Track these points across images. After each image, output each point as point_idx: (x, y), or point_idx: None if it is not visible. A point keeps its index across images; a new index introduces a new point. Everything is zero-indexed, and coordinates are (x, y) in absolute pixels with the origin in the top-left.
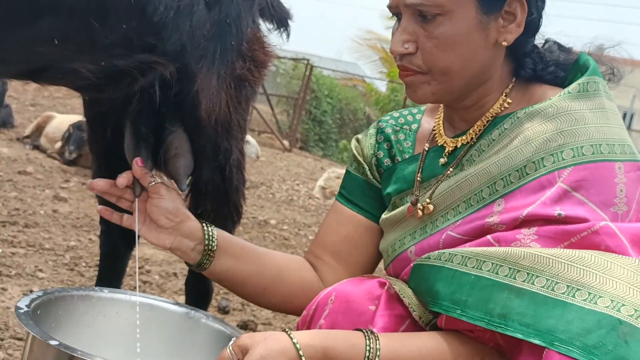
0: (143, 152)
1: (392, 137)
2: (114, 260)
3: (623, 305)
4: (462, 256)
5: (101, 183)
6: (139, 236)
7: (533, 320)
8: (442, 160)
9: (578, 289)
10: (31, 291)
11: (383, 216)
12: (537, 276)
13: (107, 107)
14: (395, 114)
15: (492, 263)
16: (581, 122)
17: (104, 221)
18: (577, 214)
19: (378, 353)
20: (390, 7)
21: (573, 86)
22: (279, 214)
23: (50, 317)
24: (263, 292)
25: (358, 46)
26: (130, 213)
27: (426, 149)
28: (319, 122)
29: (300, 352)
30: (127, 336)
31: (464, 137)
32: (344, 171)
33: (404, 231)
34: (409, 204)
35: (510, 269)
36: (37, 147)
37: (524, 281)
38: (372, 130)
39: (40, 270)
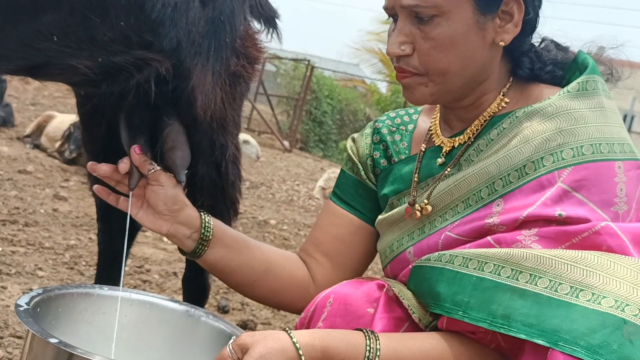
0: (141, 142)
1: (388, 137)
2: (112, 259)
3: (627, 305)
4: (464, 257)
5: (104, 167)
6: (135, 230)
7: (537, 320)
8: (439, 161)
9: (582, 290)
10: (31, 290)
11: (380, 217)
12: (540, 277)
13: (100, 104)
14: (392, 114)
15: (494, 264)
16: (581, 122)
17: (102, 219)
18: (578, 214)
19: (378, 353)
20: (386, 8)
21: (572, 85)
22: (279, 214)
23: (50, 314)
24: (253, 283)
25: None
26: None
27: (423, 149)
28: (319, 122)
29: (300, 352)
30: (127, 333)
31: (461, 137)
32: None
33: (401, 232)
34: (406, 204)
35: (512, 270)
36: (37, 146)
37: (526, 282)
38: (368, 130)
39: (40, 269)
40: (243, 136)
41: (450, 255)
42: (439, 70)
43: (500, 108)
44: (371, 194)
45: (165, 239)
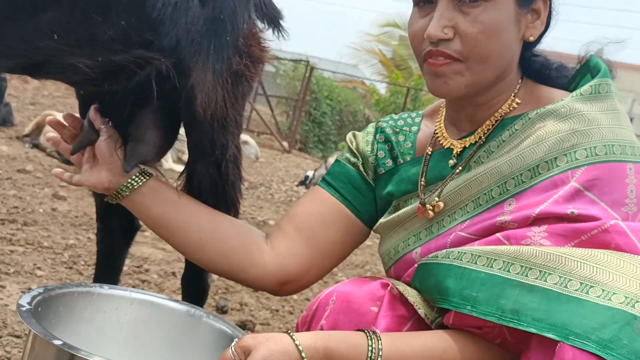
0: (101, 114)
1: (393, 137)
2: (111, 258)
3: (637, 301)
4: (472, 254)
5: (72, 116)
6: (134, 230)
7: (546, 315)
8: (451, 162)
9: (592, 286)
10: (29, 289)
11: (382, 220)
12: (550, 274)
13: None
14: (395, 116)
15: (503, 261)
16: (594, 123)
17: (101, 218)
18: (590, 212)
19: (380, 353)
20: None
21: (585, 88)
22: (278, 214)
23: (51, 313)
24: (199, 242)
25: (357, 52)
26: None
27: (429, 152)
28: (319, 123)
29: (303, 354)
30: (127, 332)
31: (471, 138)
32: None
33: (407, 232)
34: (413, 205)
35: (522, 267)
36: (36, 146)
37: (536, 278)
38: (370, 129)
39: (39, 268)
40: (242, 136)
41: (458, 252)
42: (481, 56)
43: (511, 109)
44: (363, 187)
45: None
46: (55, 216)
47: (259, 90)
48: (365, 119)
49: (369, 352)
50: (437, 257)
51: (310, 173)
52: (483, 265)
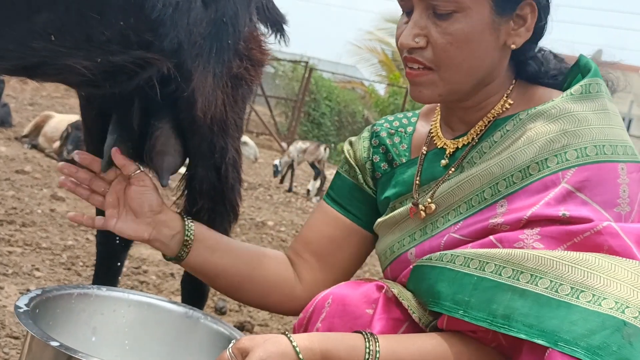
0: (123, 147)
1: (388, 140)
2: (110, 260)
3: (627, 307)
4: (465, 257)
5: (85, 155)
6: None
7: (537, 320)
8: (443, 162)
9: (582, 291)
10: (28, 290)
11: (380, 219)
12: (541, 277)
13: (103, 106)
14: (390, 118)
15: (495, 264)
16: (584, 123)
17: None
18: (581, 214)
19: (378, 355)
20: (401, 0)
21: (575, 88)
22: (277, 215)
23: (48, 314)
24: (238, 286)
25: (357, 49)
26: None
27: (424, 152)
28: (318, 124)
29: (300, 356)
30: (124, 334)
31: (464, 138)
32: None
33: (402, 233)
34: (408, 205)
35: (513, 270)
36: (35, 147)
37: (527, 282)
38: (365, 134)
39: (37, 270)
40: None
41: (451, 255)
42: (452, 66)
43: (503, 110)
44: (366, 198)
45: None
46: (53, 217)
47: (258, 91)
48: (364, 120)
49: (366, 354)
50: (431, 259)
51: (277, 162)
52: (475, 268)
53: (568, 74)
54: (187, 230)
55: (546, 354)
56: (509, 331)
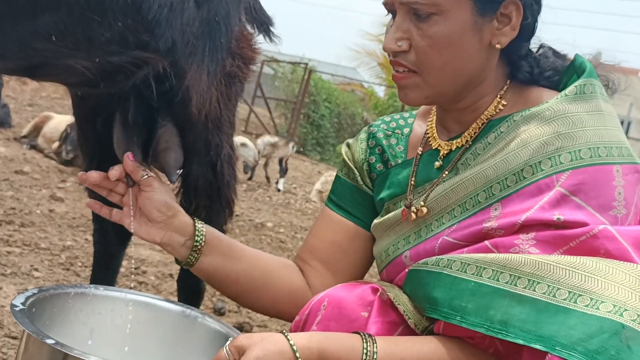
0: (133, 146)
1: (384, 141)
2: (108, 259)
3: (625, 310)
4: (462, 262)
5: (94, 175)
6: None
7: (535, 326)
8: (437, 164)
9: (580, 295)
10: (26, 290)
11: (375, 221)
12: (539, 282)
13: (96, 105)
14: (387, 119)
15: (493, 270)
16: (578, 125)
17: (97, 220)
18: (576, 218)
19: (375, 356)
20: (385, 3)
21: (570, 89)
22: (276, 216)
23: (45, 314)
24: (250, 293)
25: (357, 52)
26: (121, 208)
27: (420, 153)
28: (317, 126)
29: (297, 354)
30: (122, 333)
31: (458, 140)
32: None
33: (397, 235)
34: (402, 207)
35: (511, 275)
36: (34, 147)
37: (525, 287)
38: (363, 135)
39: (36, 270)
40: (241, 139)
41: (448, 260)
42: (434, 69)
43: (497, 111)
44: (367, 200)
45: None
46: (52, 217)
47: (258, 92)
48: (364, 121)
49: (364, 354)
50: (427, 264)
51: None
52: (472, 274)
53: (564, 74)
54: (197, 236)
55: (546, 359)
56: (506, 337)
